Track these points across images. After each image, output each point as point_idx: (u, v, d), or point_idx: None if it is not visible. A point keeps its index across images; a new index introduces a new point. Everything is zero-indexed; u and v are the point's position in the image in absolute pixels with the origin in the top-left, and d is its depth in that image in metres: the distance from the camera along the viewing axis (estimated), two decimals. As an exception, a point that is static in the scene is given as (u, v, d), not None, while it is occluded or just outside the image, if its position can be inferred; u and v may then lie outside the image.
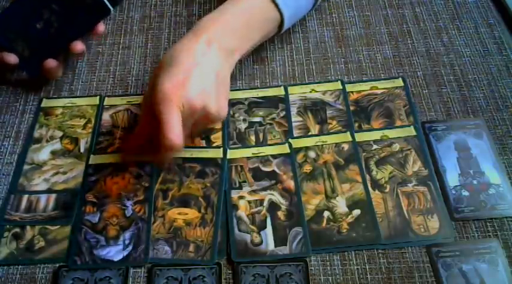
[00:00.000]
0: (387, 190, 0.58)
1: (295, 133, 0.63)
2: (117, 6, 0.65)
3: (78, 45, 0.65)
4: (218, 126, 0.64)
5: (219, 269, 0.53)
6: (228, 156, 0.61)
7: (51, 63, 0.65)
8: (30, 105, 0.68)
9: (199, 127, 0.56)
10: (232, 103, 0.67)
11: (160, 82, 0.50)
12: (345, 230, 0.55)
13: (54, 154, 0.63)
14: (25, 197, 0.59)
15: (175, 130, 0.48)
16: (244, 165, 0.61)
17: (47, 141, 0.64)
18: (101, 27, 0.65)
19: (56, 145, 0.64)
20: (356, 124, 0.64)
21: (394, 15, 0.75)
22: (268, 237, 0.55)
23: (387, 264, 0.54)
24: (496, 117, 0.64)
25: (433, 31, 0.73)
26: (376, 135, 0.62)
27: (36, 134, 0.65)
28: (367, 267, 0.54)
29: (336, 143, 0.62)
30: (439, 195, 0.57)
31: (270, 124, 0.64)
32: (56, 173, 0.61)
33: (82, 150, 0.63)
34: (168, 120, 0.49)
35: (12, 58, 0.64)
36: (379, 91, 0.67)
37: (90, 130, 0.65)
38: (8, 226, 0.57)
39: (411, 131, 0.62)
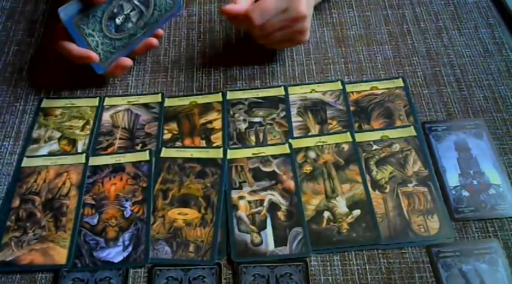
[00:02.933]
0: (387, 190, 0.58)
1: (295, 133, 0.63)
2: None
3: (154, 41, 0.66)
4: (218, 126, 0.64)
5: (219, 270, 0.53)
6: (228, 156, 0.61)
7: (127, 61, 0.65)
8: (30, 105, 0.68)
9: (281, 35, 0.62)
10: (232, 104, 0.67)
11: None
12: (345, 231, 0.55)
13: (51, 155, 0.63)
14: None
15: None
16: (244, 165, 0.61)
17: (45, 142, 0.64)
18: (161, 30, 0.67)
19: (54, 146, 0.64)
20: (356, 125, 0.64)
21: (394, 15, 0.75)
22: (268, 237, 0.55)
23: (387, 264, 0.54)
24: (496, 117, 0.64)
25: (433, 31, 0.73)
26: (376, 135, 0.62)
27: (34, 134, 0.65)
28: (367, 267, 0.54)
29: (336, 143, 0.62)
30: (439, 195, 0.57)
31: (270, 124, 0.64)
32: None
33: (79, 152, 0.63)
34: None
35: (93, 55, 0.62)
36: (379, 92, 0.67)
37: (89, 131, 0.65)
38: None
39: (411, 131, 0.62)
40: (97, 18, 0.62)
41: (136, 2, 0.63)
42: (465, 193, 0.57)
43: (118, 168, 0.61)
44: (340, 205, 0.57)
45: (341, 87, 0.67)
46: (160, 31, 0.67)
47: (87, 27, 0.62)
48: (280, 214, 0.57)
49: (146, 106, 0.67)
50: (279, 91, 0.67)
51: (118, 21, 0.63)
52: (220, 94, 0.68)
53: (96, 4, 0.61)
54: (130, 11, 0.63)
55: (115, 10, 0.63)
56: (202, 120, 0.65)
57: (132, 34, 0.65)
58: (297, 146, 0.62)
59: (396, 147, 0.61)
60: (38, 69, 0.72)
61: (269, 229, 0.56)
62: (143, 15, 0.64)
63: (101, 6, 0.62)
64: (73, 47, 0.63)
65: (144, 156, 0.62)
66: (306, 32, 0.63)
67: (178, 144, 0.63)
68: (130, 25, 0.64)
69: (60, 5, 0.60)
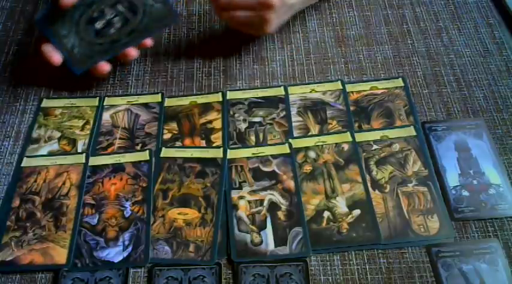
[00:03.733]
0: (387, 190, 0.58)
1: (295, 133, 0.63)
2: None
3: (133, 52, 0.64)
4: (218, 125, 0.64)
5: (219, 269, 0.53)
6: (228, 156, 0.61)
7: (104, 67, 0.64)
8: (30, 105, 0.68)
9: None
10: (232, 103, 0.67)
11: None
12: (345, 230, 0.55)
13: (51, 155, 0.63)
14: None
15: None
16: (244, 165, 0.61)
17: (45, 142, 0.64)
18: (149, 40, 0.65)
19: (54, 146, 0.64)
20: (356, 124, 0.64)
21: (394, 15, 0.75)
22: (268, 237, 0.55)
23: (387, 264, 0.54)
24: (496, 117, 0.64)
25: (433, 31, 0.73)
26: (376, 135, 0.62)
27: (34, 134, 0.65)
28: (367, 267, 0.54)
29: (336, 143, 0.62)
30: (439, 195, 0.57)
31: (270, 124, 0.64)
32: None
33: (79, 151, 0.63)
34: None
35: (55, 59, 0.62)
36: (379, 92, 0.67)
37: (89, 131, 0.65)
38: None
39: (411, 131, 0.62)
40: (73, 21, 0.62)
41: (121, 9, 0.62)
42: (465, 193, 0.57)
43: (118, 168, 0.61)
44: (340, 205, 0.57)
45: (341, 87, 0.67)
46: (147, 41, 0.65)
47: (62, 28, 0.62)
48: (280, 214, 0.57)
49: (146, 106, 0.67)
50: (279, 91, 0.67)
51: (98, 25, 0.63)
52: (220, 94, 0.68)
53: (63, 8, 0.60)
54: (114, 17, 0.63)
55: (95, 14, 0.62)
56: (202, 120, 0.65)
57: (115, 40, 0.63)
58: (297, 146, 0.62)
59: (396, 146, 0.61)
60: (38, 69, 0.72)
61: (269, 229, 0.56)
62: (129, 22, 0.63)
63: (78, 9, 0.62)
64: (44, 46, 0.63)
65: (144, 156, 0.62)
66: (270, 22, 0.62)
67: (178, 144, 0.63)
68: (112, 31, 0.63)
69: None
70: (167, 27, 0.64)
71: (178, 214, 0.57)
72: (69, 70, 0.65)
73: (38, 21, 0.62)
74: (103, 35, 0.63)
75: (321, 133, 0.63)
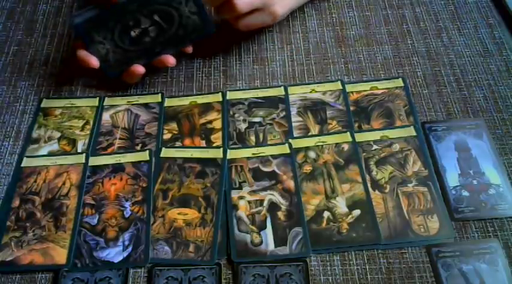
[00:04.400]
0: (387, 190, 0.58)
1: (295, 133, 0.63)
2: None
3: (171, 59, 0.64)
4: (218, 126, 0.64)
5: (219, 270, 0.53)
6: (228, 156, 0.61)
7: (139, 69, 0.64)
8: (30, 105, 0.68)
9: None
10: (232, 104, 0.67)
11: None
12: (345, 231, 0.55)
13: (51, 155, 0.63)
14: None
15: None
16: (244, 165, 0.61)
17: (45, 142, 0.64)
18: (190, 47, 0.66)
19: (54, 146, 0.64)
20: (356, 125, 0.64)
21: (394, 15, 0.75)
22: (268, 237, 0.55)
23: (387, 264, 0.54)
24: (496, 117, 0.64)
25: (433, 31, 0.73)
26: (376, 135, 0.62)
27: (34, 135, 0.65)
28: (367, 267, 0.54)
29: (336, 143, 0.62)
30: (439, 195, 0.57)
31: (270, 124, 0.64)
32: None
33: (79, 152, 0.63)
34: None
35: (93, 61, 0.63)
36: (379, 92, 0.67)
37: (89, 131, 0.65)
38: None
39: (411, 131, 0.62)
40: (109, 28, 0.63)
41: (157, 19, 0.62)
42: (465, 193, 0.57)
43: (118, 168, 0.61)
44: (340, 205, 0.57)
45: (341, 87, 0.67)
46: (188, 48, 0.66)
47: (98, 34, 0.63)
48: (280, 214, 0.57)
49: (146, 106, 0.67)
50: (279, 91, 0.67)
51: (133, 33, 0.63)
52: (220, 94, 0.68)
53: (111, 6, 0.61)
54: (149, 26, 0.63)
55: (130, 23, 0.63)
56: (202, 120, 0.65)
57: (149, 48, 0.64)
58: (297, 146, 0.62)
59: (396, 147, 0.61)
60: (38, 69, 0.72)
61: (269, 229, 0.56)
62: (164, 32, 0.63)
63: (114, 16, 0.62)
64: (80, 51, 0.64)
65: (144, 156, 0.62)
66: (278, 13, 0.66)
67: (178, 144, 0.63)
68: (147, 39, 0.63)
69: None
70: (203, 38, 0.65)
71: (178, 214, 0.57)
72: (104, 73, 0.66)
73: (78, 25, 0.62)
74: (137, 43, 0.64)
75: (321, 133, 0.63)
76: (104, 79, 0.69)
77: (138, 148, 0.63)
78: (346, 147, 0.61)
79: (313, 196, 0.58)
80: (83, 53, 0.64)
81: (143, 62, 0.65)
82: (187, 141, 0.64)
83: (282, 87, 0.68)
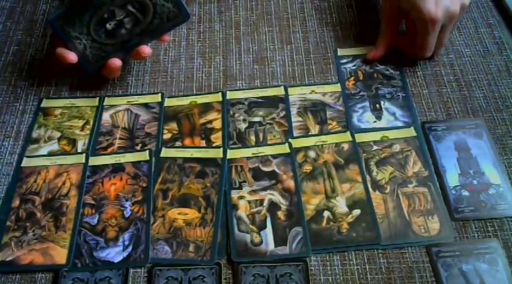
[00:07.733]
0: (387, 191, 0.58)
1: (295, 133, 0.63)
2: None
3: (146, 49, 0.64)
4: (218, 125, 0.64)
5: (219, 269, 0.53)
6: (228, 156, 0.61)
7: (116, 62, 0.64)
8: (30, 105, 0.68)
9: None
10: (232, 104, 0.67)
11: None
12: (345, 230, 0.55)
13: (51, 155, 0.63)
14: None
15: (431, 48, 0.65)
16: (244, 165, 0.61)
17: (45, 142, 0.64)
18: (167, 36, 0.66)
19: (54, 146, 0.64)
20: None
21: (394, 15, 0.75)
22: (268, 237, 0.55)
23: (387, 264, 0.54)
24: (496, 117, 0.64)
25: (433, 31, 0.73)
26: (376, 135, 0.62)
27: (34, 134, 0.65)
28: (367, 267, 0.54)
29: (336, 143, 0.62)
30: (439, 195, 0.57)
31: (270, 124, 0.64)
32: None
33: (79, 152, 0.63)
34: (429, 40, 0.63)
35: (71, 56, 0.63)
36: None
37: (88, 131, 0.65)
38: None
39: (411, 132, 0.62)
40: (84, 22, 0.63)
41: (131, 9, 0.62)
42: (465, 193, 0.57)
43: (118, 168, 0.61)
44: (340, 204, 0.57)
45: (340, 89, 0.67)
46: (165, 37, 0.65)
47: (73, 30, 0.63)
48: (280, 214, 0.57)
49: (146, 106, 0.67)
50: (279, 91, 0.67)
51: (108, 26, 0.63)
52: (220, 94, 0.68)
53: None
54: (124, 17, 0.63)
55: (105, 15, 0.62)
56: (202, 120, 0.65)
57: (126, 40, 0.64)
58: (297, 146, 0.62)
59: (396, 147, 0.61)
60: (38, 69, 0.72)
61: (269, 229, 0.56)
62: (140, 23, 0.63)
63: (88, 10, 0.62)
64: (58, 49, 0.64)
65: (144, 156, 0.62)
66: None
67: (178, 144, 0.63)
68: (123, 31, 0.63)
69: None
70: (178, 26, 0.65)
71: (178, 214, 0.57)
72: (83, 70, 0.66)
73: (51, 21, 0.62)
74: (114, 36, 0.63)
75: (320, 133, 0.63)
76: (104, 79, 0.69)
77: (138, 148, 0.63)
78: (346, 146, 0.61)
79: (313, 196, 0.58)
80: (61, 50, 0.63)
81: (122, 56, 0.64)
82: (187, 141, 0.64)
83: (282, 87, 0.68)
